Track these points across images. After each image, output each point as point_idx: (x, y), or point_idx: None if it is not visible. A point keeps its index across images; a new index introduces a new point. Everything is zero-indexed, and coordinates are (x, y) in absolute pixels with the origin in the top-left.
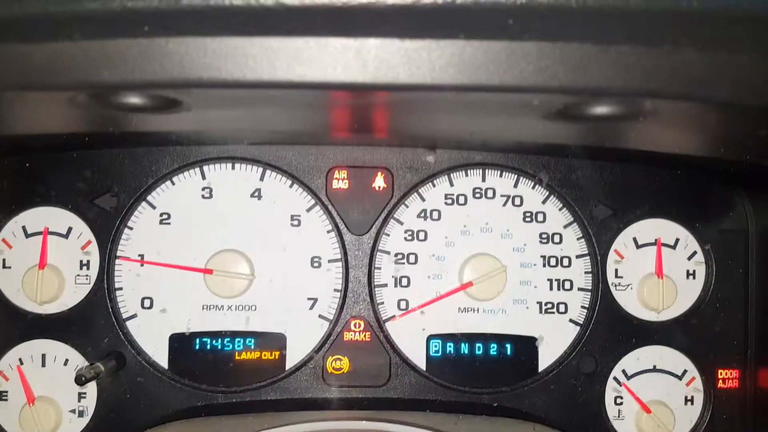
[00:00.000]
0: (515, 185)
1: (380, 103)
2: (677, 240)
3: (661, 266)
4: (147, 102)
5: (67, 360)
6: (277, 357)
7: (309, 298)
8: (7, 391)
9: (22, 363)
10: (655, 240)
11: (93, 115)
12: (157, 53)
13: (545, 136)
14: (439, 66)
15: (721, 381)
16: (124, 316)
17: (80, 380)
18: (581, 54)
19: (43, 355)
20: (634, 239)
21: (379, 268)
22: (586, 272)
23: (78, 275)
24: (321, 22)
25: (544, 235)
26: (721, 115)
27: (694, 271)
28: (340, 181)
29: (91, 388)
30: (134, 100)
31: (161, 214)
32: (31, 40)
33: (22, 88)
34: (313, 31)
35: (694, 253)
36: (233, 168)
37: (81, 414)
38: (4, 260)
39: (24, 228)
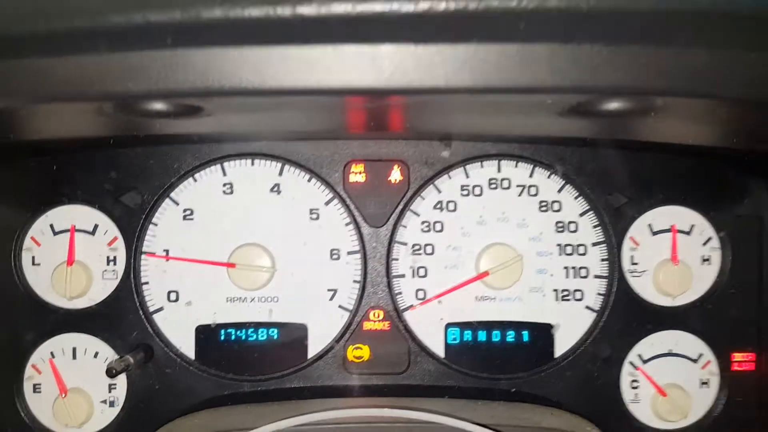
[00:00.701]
0: (531, 175)
1: (396, 105)
2: (692, 226)
3: (676, 252)
4: (170, 109)
5: (97, 353)
6: (299, 347)
7: (329, 290)
8: (40, 384)
9: (53, 356)
10: (671, 227)
11: (118, 121)
12: (179, 64)
13: (559, 131)
14: (452, 70)
15: (736, 364)
16: (151, 309)
17: (111, 373)
18: (592, 55)
19: (74, 349)
20: (650, 226)
21: (397, 259)
22: (602, 260)
23: (105, 271)
24: (337, 30)
25: (560, 224)
26: (732, 109)
27: (709, 256)
28: (357, 175)
29: (121, 380)
30: (158, 107)
31: (184, 210)
32: (57, 54)
33: (50, 101)
34: (329, 39)
35: (709, 239)
36: (253, 164)
37: (112, 404)
38: (33, 257)
39: (51, 226)
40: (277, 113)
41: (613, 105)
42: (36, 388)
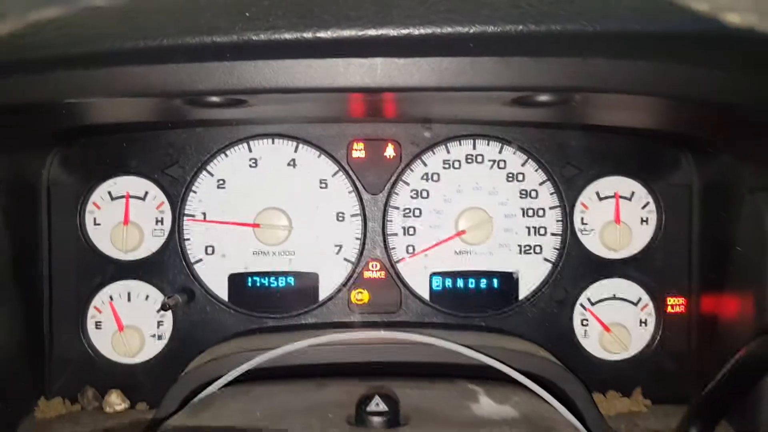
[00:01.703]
0: (500, 152)
1: (387, 98)
2: (633, 193)
3: (618, 214)
4: (224, 101)
5: (147, 296)
6: (312, 291)
7: (336, 245)
8: (101, 321)
9: (112, 299)
10: (614, 193)
11: (177, 109)
12: (234, 71)
13: (512, 117)
14: (424, 74)
15: (669, 307)
16: (192, 260)
17: (164, 307)
18: (521, 64)
19: (129, 293)
20: (597, 193)
21: (391, 221)
22: (557, 221)
23: (154, 229)
24: (344, 48)
25: (523, 192)
26: (630, 100)
27: (647, 218)
28: (359, 151)
29: (168, 317)
30: (216, 100)
31: (218, 181)
32: (149, 63)
33: (142, 96)
34: (339, 54)
35: (647, 203)
36: (273, 143)
37: (160, 338)
38: (95, 218)
39: (110, 193)
40: (299, 104)
41: (541, 98)
42: (97, 325)
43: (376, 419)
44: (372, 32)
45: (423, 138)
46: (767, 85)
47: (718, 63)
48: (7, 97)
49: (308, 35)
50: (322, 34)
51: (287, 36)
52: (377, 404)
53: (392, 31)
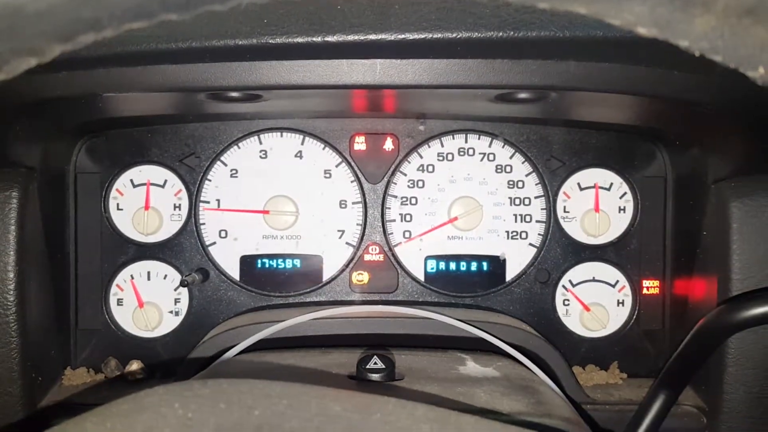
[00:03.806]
0: (489, 145)
1: (386, 95)
2: (611, 184)
3: (598, 203)
4: (242, 96)
5: (166, 275)
6: (316, 272)
7: (338, 230)
8: (123, 298)
9: (133, 278)
10: (594, 184)
11: (197, 104)
12: (253, 70)
13: (498, 113)
14: (418, 73)
15: (645, 288)
16: (207, 243)
17: (183, 284)
18: (502, 65)
19: (149, 272)
20: (578, 184)
21: (389, 208)
22: (542, 209)
23: (173, 214)
24: (349, 50)
25: (511, 182)
26: (601, 97)
27: (624, 207)
28: (360, 144)
29: (184, 295)
30: (235, 95)
31: (231, 170)
32: (180, 62)
33: (173, 90)
34: (344, 56)
35: (625, 193)
36: (282, 136)
37: (177, 314)
38: (118, 204)
39: (132, 180)
40: (307, 100)
41: (521, 95)
42: (119, 302)
43: (375, 375)
44: (372, 37)
45: (419, 132)
46: (717, 84)
47: (669, 64)
48: (52, 91)
49: (317, 39)
50: (329, 38)
51: (299, 40)
52: (375, 363)
53: (390, 36)
